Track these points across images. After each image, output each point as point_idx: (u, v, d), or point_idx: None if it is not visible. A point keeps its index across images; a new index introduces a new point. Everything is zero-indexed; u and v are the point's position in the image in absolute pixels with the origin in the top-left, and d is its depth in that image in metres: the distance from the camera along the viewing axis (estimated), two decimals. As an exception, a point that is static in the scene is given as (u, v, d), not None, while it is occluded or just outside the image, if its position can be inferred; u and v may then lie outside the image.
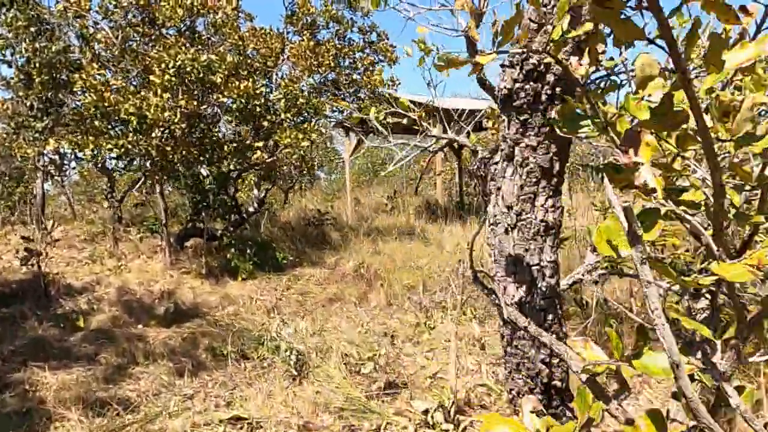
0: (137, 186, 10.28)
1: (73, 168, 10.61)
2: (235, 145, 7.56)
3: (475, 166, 2.63)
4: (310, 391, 4.10)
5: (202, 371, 4.68)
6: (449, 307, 5.90)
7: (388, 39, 9.93)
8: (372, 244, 9.96)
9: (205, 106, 7.21)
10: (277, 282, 7.65)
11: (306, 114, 7.89)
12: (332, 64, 9.00)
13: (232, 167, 8.06)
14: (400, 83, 9.41)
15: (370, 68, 9.37)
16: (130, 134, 6.61)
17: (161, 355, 4.97)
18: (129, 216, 11.42)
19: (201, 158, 7.64)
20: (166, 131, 7.04)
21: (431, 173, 23.13)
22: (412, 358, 4.89)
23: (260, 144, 7.51)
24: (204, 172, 8.92)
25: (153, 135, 6.88)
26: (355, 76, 9.33)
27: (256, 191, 9.74)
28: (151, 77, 6.57)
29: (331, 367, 4.47)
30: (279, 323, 5.44)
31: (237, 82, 6.83)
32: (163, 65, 6.59)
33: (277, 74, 8.70)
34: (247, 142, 7.49)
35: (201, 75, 6.66)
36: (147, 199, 12.48)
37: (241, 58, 7.54)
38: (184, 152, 7.31)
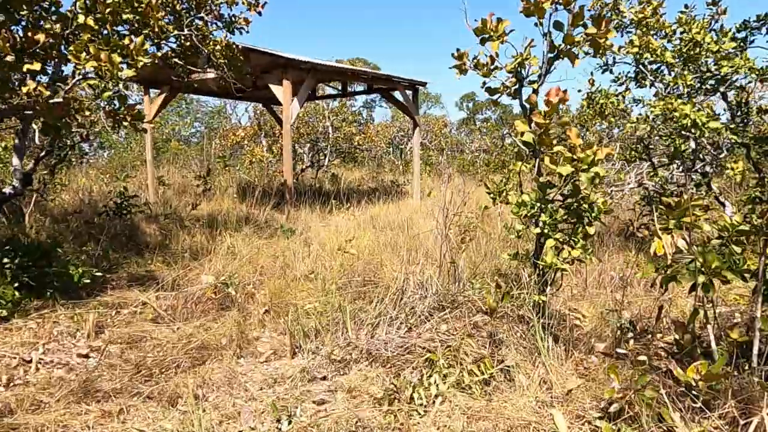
0: None
1: None
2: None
3: None
4: None
5: None
6: (438, 359, 3.36)
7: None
8: (215, 242, 6.83)
9: None
10: (75, 321, 4.22)
11: (125, 24, 4.55)
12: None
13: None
14: (266, 2, 6.40)
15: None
16: None
17: None
18: None
19: None
20: None
21: (242, 150, 19.77)
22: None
23: (36, 67, 3.99)
24: None
25: None
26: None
27: (17, 160, 5.89)
28: None
29: None
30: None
31: None
32: None
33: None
34: (7, 58, 3.89)
35: None
36: None
37: None
38: None
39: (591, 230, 3.47)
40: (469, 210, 10.25)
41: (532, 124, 3.82)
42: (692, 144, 6.76)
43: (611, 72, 7.14)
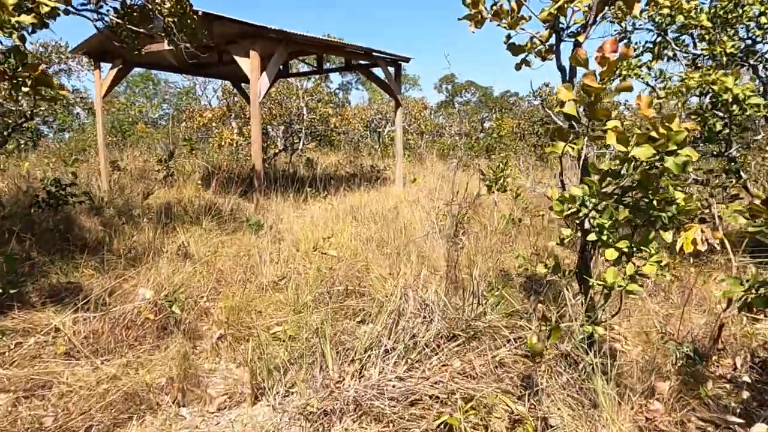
0: None
1: None
2: None
3: None
4: None
5: None
6: (459, 422, 2.36)
7: None
8: (168, 238, 5.73)
9: None
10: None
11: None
12: None
13: None
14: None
15: None
16: None
17: None
18: None
19: None
20: None
21: (210, 133, 18.45)
22: None
23: None
24: None
25: None
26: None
27: None
28: None
29: None
30: None
31: None
32: None
33: None
34: None
35: None
36: None
37: None
38: None
39: (667, 237, 2.49)
40: (457, 197, 9.30)
41: (573, 91, 2.82)
42: (719, 125, 5.87)
43: (629, 41, 6.19)
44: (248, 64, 8.46)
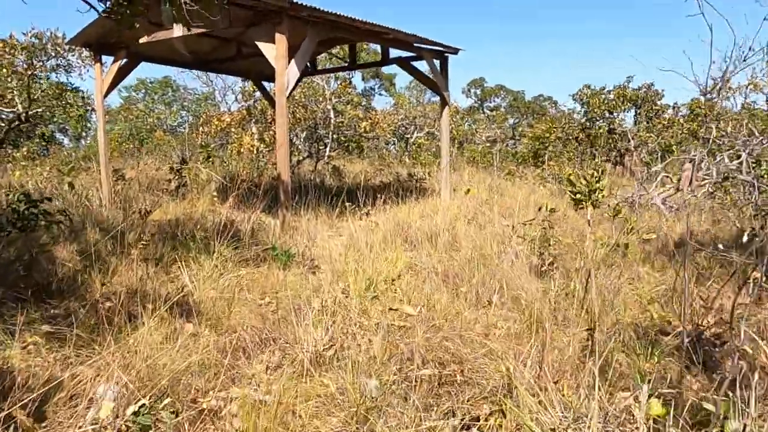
0: None
1: None
2: None
3: None
4: None
5: None
6: None
7: None
8: (168, 276, 4.14)
9: None
10: None
11: None
12: None
13: None
14: None
15: None
16: None
17: None
18: None
19: None
20: None
21: (231, 138, 16.98)
22: None
23: None
24: None
25: None
26: None
27: None
28: None
29: None
30: None
31: None
32: None
33: None
34: None
35: None
36: None
37: None
38: None
39: None
40: (509, 209, 7.60)
41: None
42: None
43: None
44: (273, 50, 6.88)
